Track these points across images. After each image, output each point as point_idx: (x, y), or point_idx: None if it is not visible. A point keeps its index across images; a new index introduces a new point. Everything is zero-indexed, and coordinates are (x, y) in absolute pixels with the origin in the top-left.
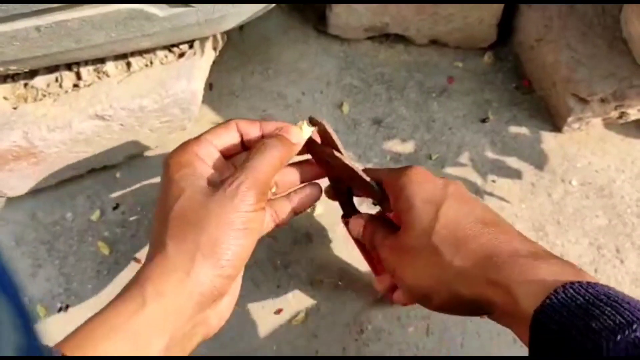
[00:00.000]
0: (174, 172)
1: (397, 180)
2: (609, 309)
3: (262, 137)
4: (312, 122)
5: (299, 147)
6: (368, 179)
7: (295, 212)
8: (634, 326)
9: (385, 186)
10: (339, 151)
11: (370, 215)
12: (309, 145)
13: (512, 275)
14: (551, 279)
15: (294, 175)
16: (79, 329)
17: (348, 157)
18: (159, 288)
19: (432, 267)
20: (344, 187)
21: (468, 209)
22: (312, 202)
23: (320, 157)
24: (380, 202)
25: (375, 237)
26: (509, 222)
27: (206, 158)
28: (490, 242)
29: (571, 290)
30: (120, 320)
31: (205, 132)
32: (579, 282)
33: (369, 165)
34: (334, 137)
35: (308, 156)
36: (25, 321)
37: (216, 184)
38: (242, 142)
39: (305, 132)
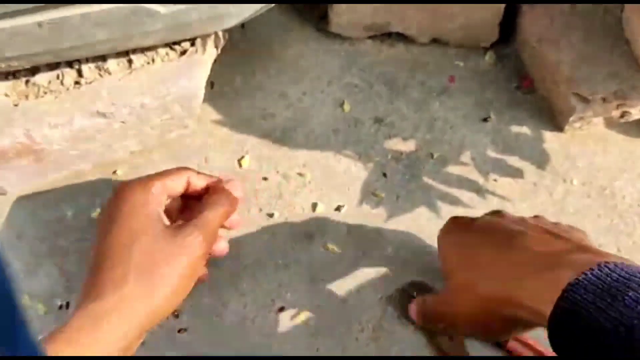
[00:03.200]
0: (131, 208)
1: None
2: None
3: (207, 188)
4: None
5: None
6: None
7: None
8: None
9: None
10: None
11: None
12: None
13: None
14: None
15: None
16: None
17: None
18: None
19: (473, 301)
20: None
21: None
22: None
23: None
24: None
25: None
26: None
27: (160, 198)
28: (512, 265)
29: (606, 269)
30: None
31: (159, 174)
32: (614, 262)
33: (370, 164)
34: None
35: None
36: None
37: (169, 227)
38: (185, 190)
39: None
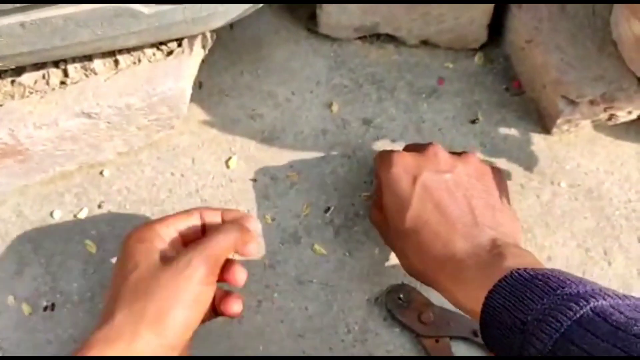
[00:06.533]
0: (133, 246)
1: (380, 171)
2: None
3: (223, 222)
4: None
5: (256, 236)
6: None
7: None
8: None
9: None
10: None
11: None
12: None
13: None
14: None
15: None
16: None
17: None
18: (102, 356)
19: (403, 261)
20: None
21: (431, 206)
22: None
23: None
24: None
25: (372, 216)
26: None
27: (165, 237)
28: (443, 247)
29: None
30: None
31: (169, 216)
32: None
33: (358, 166)
34: None
35: None
36: None
37: (169, 260)
38: (204, 229)
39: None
